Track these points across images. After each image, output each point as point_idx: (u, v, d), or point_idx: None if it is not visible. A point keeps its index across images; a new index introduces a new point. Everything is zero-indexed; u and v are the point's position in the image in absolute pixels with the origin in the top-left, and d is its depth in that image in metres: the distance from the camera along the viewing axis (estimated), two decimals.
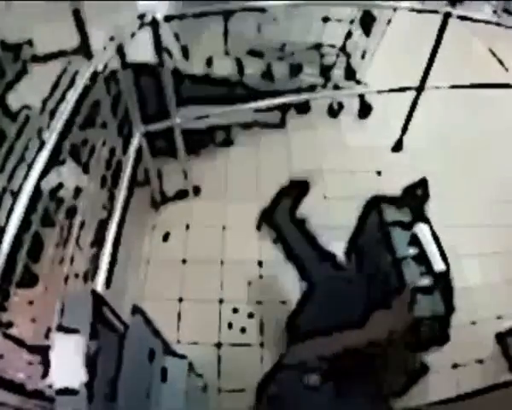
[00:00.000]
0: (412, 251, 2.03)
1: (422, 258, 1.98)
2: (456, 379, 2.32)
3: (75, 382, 1.03)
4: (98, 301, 1.20)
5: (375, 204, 2.26)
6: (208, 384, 2.10)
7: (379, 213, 2.19)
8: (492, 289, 2.69)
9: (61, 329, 1.09)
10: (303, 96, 3.61)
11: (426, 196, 2.26)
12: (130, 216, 2.42)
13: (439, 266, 1.94)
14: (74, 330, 1.08)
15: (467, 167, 3.32)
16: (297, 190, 2.91)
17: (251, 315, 2.49)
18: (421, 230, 2.07)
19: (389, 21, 3.24)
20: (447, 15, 2.74)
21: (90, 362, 1.07)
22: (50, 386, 1.03)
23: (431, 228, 2.09)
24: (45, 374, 1.06)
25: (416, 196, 2.27)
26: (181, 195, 3.05)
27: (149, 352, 1.44)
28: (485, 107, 3.82)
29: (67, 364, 1.05)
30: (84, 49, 2.37)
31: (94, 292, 1.22)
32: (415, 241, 2.06)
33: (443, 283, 1.92)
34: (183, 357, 1.66)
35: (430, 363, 2.23)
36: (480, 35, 4.80)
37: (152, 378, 1.43)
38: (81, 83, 1.86)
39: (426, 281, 1.92)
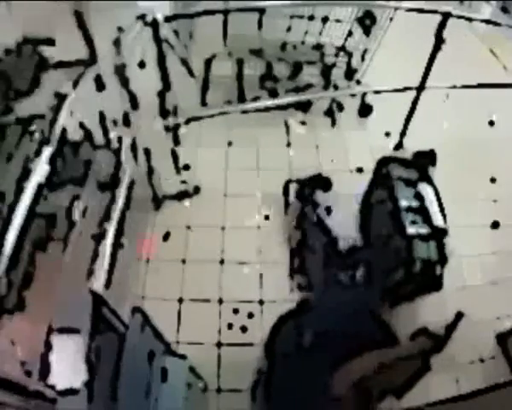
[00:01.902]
0: (414, 204, 2.16)
1: (423, 211, 2.12)
2: (456, 379, 2.32)
3: (75, 382, 1.03)
4: (98, 301, 1.20)
5: (385, 163, 2.40)
6: (208, 384, 2.11)
7: (387, 169, 2.33)
8: (492, 289, 2.69)
9: (61, 329, 1.09)
10: (303, 97, 3.61)
11: (433, 161, 2.34)
12: (131, 216, 2.42)
13: (438, 222, 2.04)
14: (74, 331, 1.08)
15: (467, 167, 3.32)
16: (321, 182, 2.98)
17: (251, 315, 2.49)
18: (425, 189, 2.19)
19: (389, 21, 3.24)
20: (447, 15, 2.74)
21: (90, 362, 1.07)
22: (51, 386, 1.03)
23: (435, 190, 2.17)
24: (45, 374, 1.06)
25: (423, 160, 2.36)
26: (181, 195, 3.05)
27: (149, 352, 1.44)
28: (485, 107, 3.81)
29: (68, 364, 1.05)
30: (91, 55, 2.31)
31: (94, 292, 1.22)
32: (418, 197, 2.20)
33: (440, 237, 2.03)
34: (183, 357, 1.67)
35: (430, 363, 2.23)
36: (479, 35, 4.80)
37: (152, 378, 1.44)
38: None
39: (424, 230, 2.06)
